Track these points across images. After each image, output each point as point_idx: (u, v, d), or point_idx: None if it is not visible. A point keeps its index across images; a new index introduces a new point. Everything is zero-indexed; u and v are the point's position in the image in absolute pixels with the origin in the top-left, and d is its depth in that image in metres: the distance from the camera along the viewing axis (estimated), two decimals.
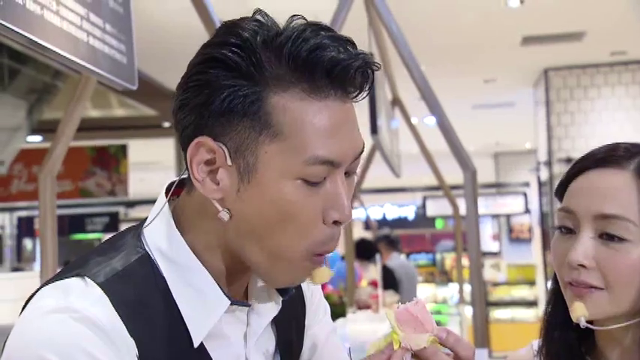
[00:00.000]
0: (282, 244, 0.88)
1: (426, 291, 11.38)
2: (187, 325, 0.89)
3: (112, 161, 8.24)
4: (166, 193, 0.96)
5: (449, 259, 13.37)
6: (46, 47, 1.59)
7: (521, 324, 10.03)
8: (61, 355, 0.81)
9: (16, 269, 9.01)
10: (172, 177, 1.00)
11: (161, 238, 0.92)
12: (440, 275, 13.25)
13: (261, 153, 0.86)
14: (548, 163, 7.50)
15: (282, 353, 1.04)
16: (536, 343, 1.21)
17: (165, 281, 0.90)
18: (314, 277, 0.92)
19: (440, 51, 6.45)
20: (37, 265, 11.13)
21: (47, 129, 6.37)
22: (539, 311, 10.07)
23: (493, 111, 9.38)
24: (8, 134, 5.77)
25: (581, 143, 7.29)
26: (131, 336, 0.85)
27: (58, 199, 2.38)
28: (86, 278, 0.88)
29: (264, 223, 0.87)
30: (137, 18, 2.17)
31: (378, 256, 6.79)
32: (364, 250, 6.96)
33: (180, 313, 0.89)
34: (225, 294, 0.91)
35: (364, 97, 0.92)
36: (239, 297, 0.97)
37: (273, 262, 0.89)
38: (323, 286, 1.13)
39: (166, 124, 8.18)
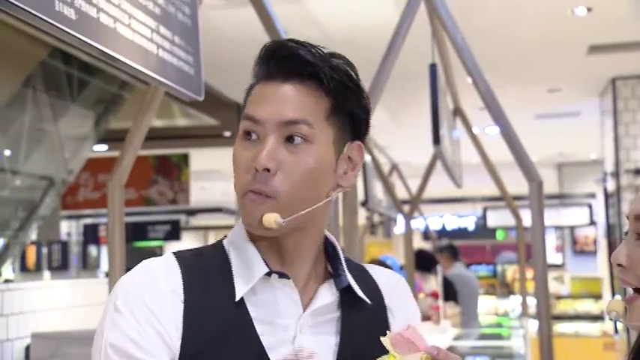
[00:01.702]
0: (236, 189, 1.13)
1: (486, 303, 11.22)
2: (235, 285, 1.11)
3: (173, 170, 8.38)
4: None
5: (510, 271, 13.18)
6: (118, 59, 1.63)
7: (585, 339, 9.79)
8: (122, 292, 1.09)
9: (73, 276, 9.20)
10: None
11: (234, 233, 1.19)
12: (501, 287, 13.07)
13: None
14: (616, 174, 7.32)
15: (344, 353, 1.14)
16: None
17: (229, 260, 1.15)
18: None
19: (504, 60, 6.38)
20: (101, 272, 11.37)
21: (113, 138, 6.53)
22: (605, 326, 9.82)
23: (557, 121, 9.22)
24: (76, 144, 5.91)
25: None
26: (184, 287, 1.09)
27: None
28: (169, 253, 1.16)
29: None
30: (204, 30, 2.20)
31: (438, 267, 6.73)
32: (424, 261, 6.90)
33: (233, 280, 1.12)
34: (267, 265, 1.12)
35: (338, 95, 1.12)
36: (300, 285, 1.15)
37: (239, 206, 1.14)
38: None
39: (227, 134, 8.28)
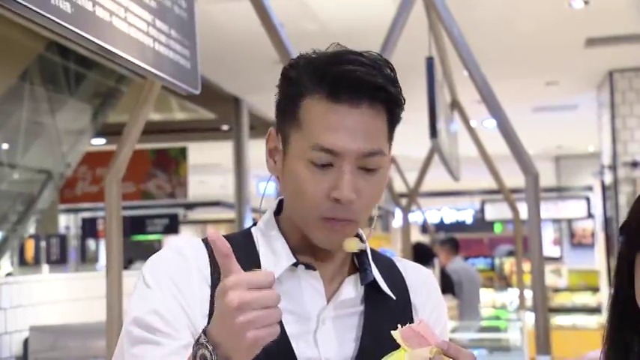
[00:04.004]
0: (303, 212, 1.11)
1: (484, 296, 11.24)
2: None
3: (171, 164, 8.38)
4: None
5: (508, 264, 13.17)
6: (114, 53, 1.63)
7: (583, 331, 9.81)
8: (149, 269, 1.12)
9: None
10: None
11: (263, 221, 1.20)
12: (499, 280, 13.08)
13: (291, 140, 1.11)
14: (613, 167, 7.33)
15: (365, 346, 1.15)
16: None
17: (256, 248, 1.16)
18: (344, 246, 1.12)
19: (501, 53, 6.38)
20: (99, 266, 11.37)
21: (111, 132, 6.52)
22: (603, 318, 9.85)
23: (555, 114, 9.22)
24: (74, 137, 5.91)
25: None
26: (211, 269, 1.10)
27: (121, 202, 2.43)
28: (199, 238, 1.18)
29: (292, 194, 1.13)
30: (201, 24, 2.20)
31: (436, 260, 6.74)
32: (421, 255, 6.92)
33: (260, 266, 1.13)
34: (293, 256, 1.14)
35: (395, 115, 1.13)
36: (327, 279, 1.16)
37: (305, 226, 1.12)
38: None
39: (225, 127, 8.28)
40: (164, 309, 1.07)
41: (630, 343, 1.11)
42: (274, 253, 1.15)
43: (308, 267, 1.14)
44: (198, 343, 0.94)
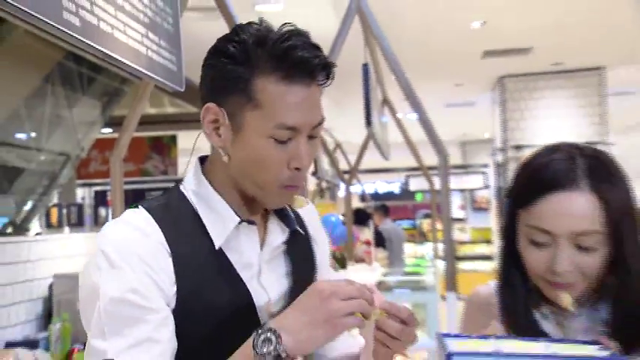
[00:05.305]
0: (262, 180, 0.99)
1: (408, 248, 11.40)
2: (210, 235, 1.00)
3: (165, 148, 8.26)
4: (202, 161, 1.09)
5: (425, 224, 13.36)
6: (115, 58, 1.58)
7: (481, 274, 10.04)
8: (113, 249, 0.95)
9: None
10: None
11: (192, 182, 1.05)
12: (419, 236, 13.27)
13: (246, 117, 0.97)
14: (504, 149, 7.47)
15: (294, 279, 1.09)
16: (493, 283, 1.20)
17: (195, 209, 1.02)
18: (294, 204, 1.05)
19: (420, 61, 6.41)
20: None
21: (116, 123, 6.38)
22: (494, 264, 10.08)
23: (461, 109, 9.33)
24: (87, 127, 5.78)
25: (529, 134, 7.25)
26: (166, 239, 0.97)
27: (124, 178, 2.39)
28: (139, 207, 1.01)
29: (249, 166, 0.99)
30: (185, 36, 2.16)
31: (371, 222, 6.79)
32: (360, 217, 6.98)
33: (205, 228, 1.01)
34: (236, 214, 1.02)
35: (327, 84, 1.01)
36: (256, 224, 1.06)
37: (261, 191, 1.01)
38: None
39: None
40: (141, 286, 0.93)
41: (514, 278, 1.13)
42: (217, 214, 1.01)
43: (250, 222, 1.04)
44: (264, 330, 0.88)
